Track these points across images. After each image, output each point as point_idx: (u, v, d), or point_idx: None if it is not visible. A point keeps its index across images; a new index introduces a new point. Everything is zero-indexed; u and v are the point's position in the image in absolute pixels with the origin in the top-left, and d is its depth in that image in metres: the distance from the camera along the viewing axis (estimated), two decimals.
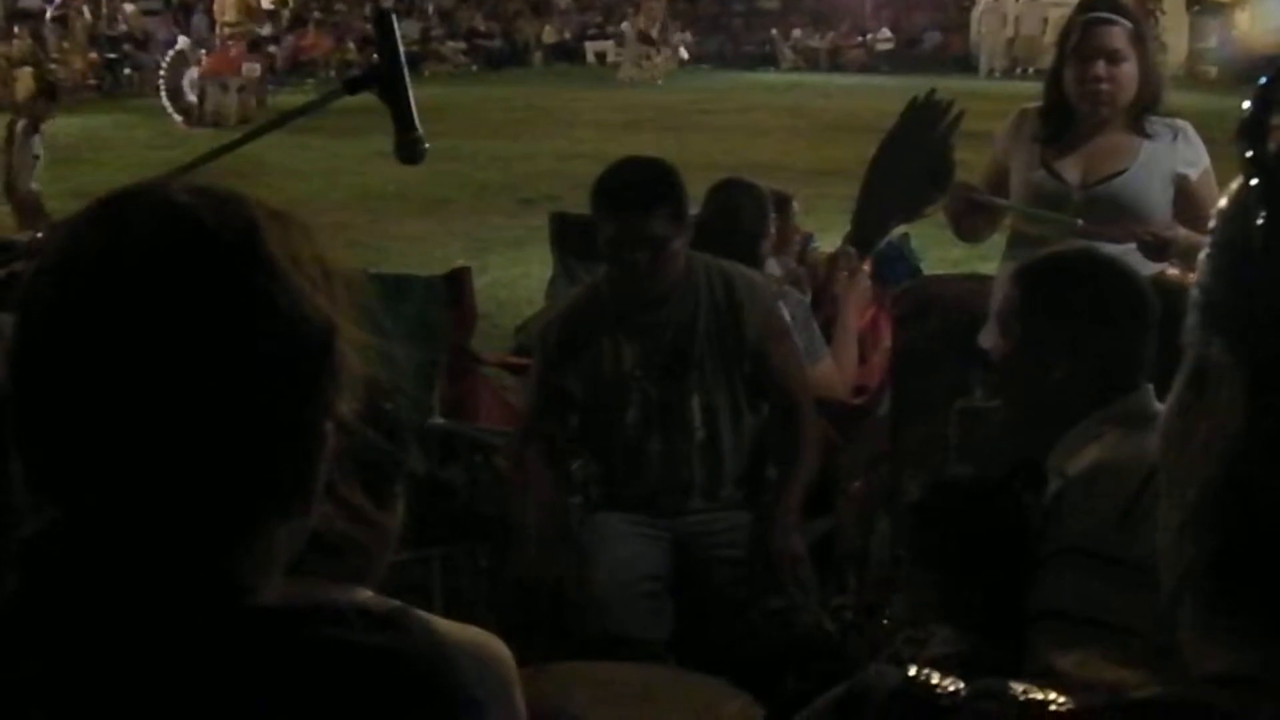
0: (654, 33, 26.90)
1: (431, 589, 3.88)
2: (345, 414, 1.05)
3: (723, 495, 3.44)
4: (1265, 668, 0.71)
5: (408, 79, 2.02)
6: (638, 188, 3.30)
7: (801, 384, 3.52)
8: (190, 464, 0.99)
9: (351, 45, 26.81)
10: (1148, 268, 3.41)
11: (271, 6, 28.25)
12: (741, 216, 4.13)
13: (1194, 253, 3.48)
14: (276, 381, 1.01)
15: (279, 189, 11.37)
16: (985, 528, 2.36)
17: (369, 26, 24.61)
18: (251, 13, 24.41)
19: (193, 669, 0.98)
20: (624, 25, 28.68)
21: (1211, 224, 0.77)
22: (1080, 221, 3.64)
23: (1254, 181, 0.73)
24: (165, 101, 19.52)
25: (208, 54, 21.21)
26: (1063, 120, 3.75)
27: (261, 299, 1.00)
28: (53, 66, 22.52)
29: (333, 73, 25.64)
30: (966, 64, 27.43)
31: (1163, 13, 23.43)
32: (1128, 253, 3.39)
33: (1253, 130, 0.73)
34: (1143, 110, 3.71)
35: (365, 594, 1.06)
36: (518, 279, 8.88)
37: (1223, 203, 0.76)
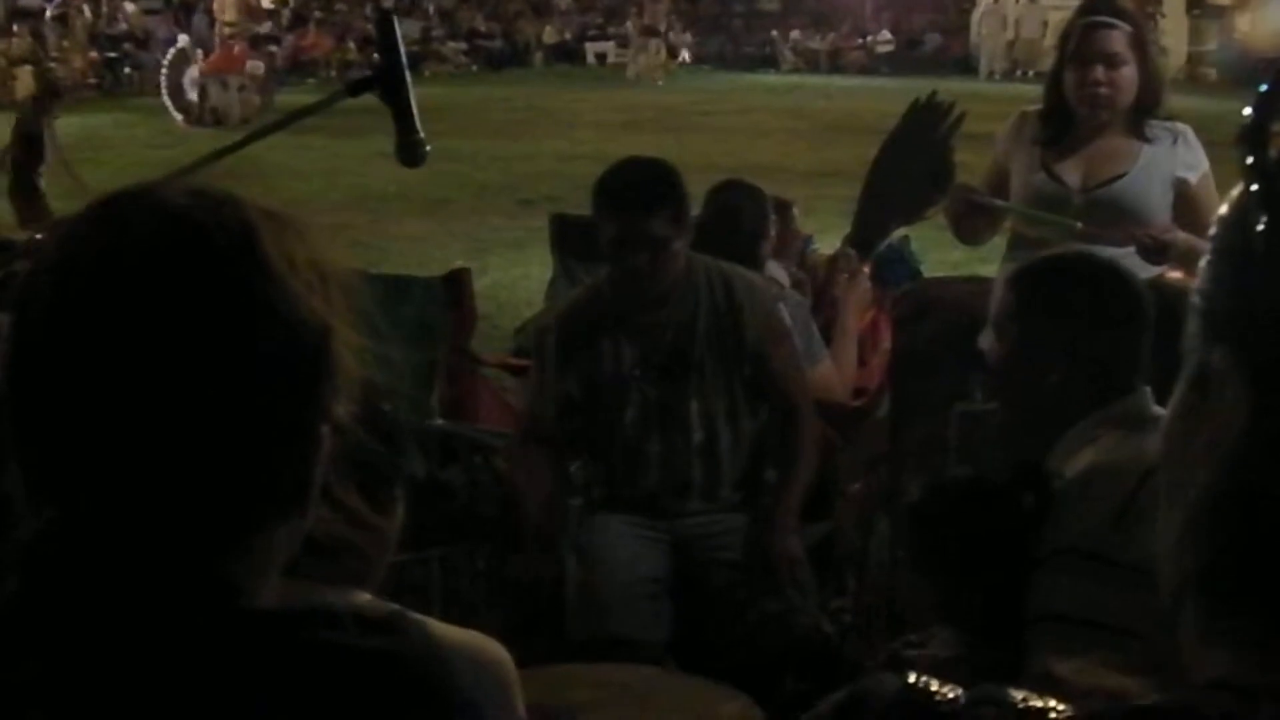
0: (660, 28, 26.93)
1: (430, 590, 3.88)
2: (342, 416, 1.05)
3: (721, 497, 3.44)
4: (1264, 671, 0.71)
5: (409, 81, 2.01)
6: (639, 188, 3.30)
7: (801, 386, 3.52)
8: (186, 466, 0.99)
9: (352, 45, 26.82)
10: (1146, 270, 3.41)
11: (272, 6, 28.26)
12: (742, 218, 4.13)
13: (1192, 256, 3.50)
14: (273, 383, 1.00)
15: (279, 189, 11.38)
16: (984, 529, 2.36)
17: (370, 26, 24.65)
18: (252, 12, 24.42)
19: (189, 671, 0.98)
20: (627, 24, 28.70)
21: (1212, 230, 0.77)
22: (1080, 224, 3.64)
23: (1254, 187, 0.73)
24: (166, 100, 19.53)
25: (206, 53, 21.20)
26: (1063, 123, 3.75)
27: (257, 301, 1.00)
28: (53, 65, 22.53)
29: (333, 72, 25.66)
30: (967, 66, 27.43)
31: (1163, 15, 23.45)
32: (1126, 256, 3.39)
33: (1253, 136, 0.73)
34: (1143, 114, 3.71)
35: (363, 597, 1.06)
36: (517, 280, 8.88)
37: (1223, 209, 0.76)
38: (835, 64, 29.60)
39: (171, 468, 0.98)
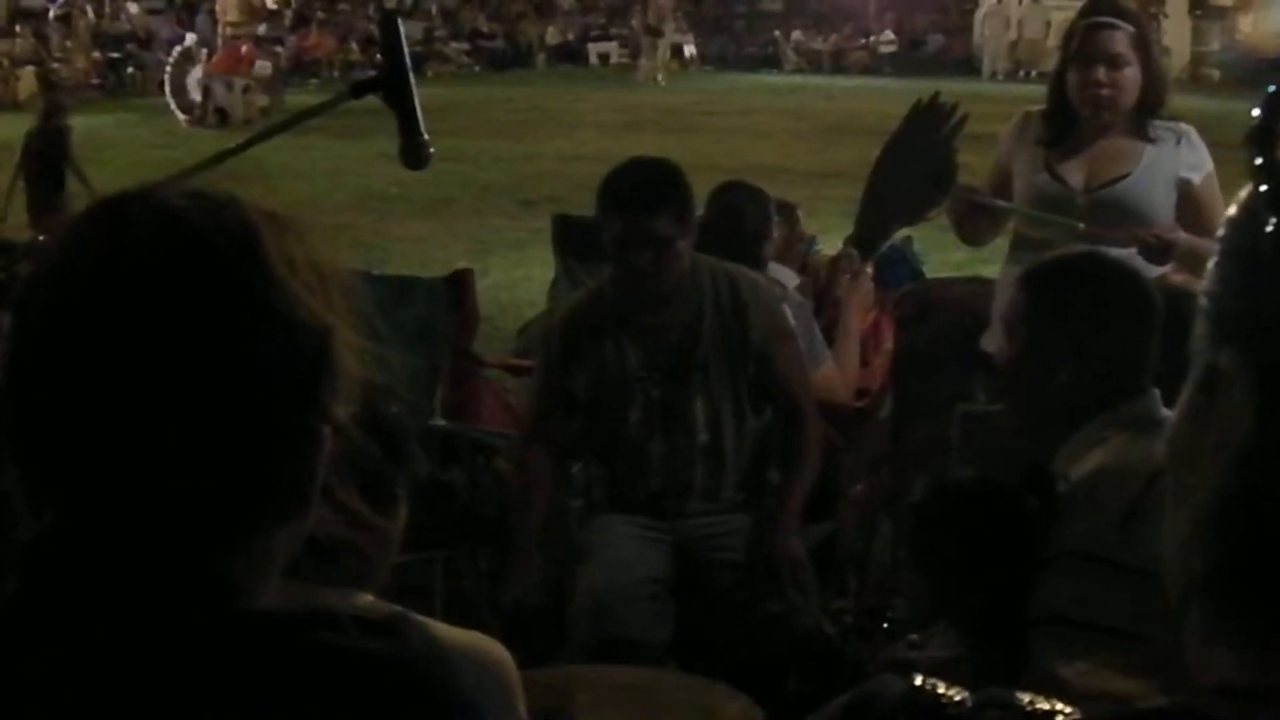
0: (664, 28, 26.94)
1: (433, 591, 3.88)
2: (342, 417, 1.05)
3: (724, 498, 3.44)
4: (1266, 673, 0.71)
5: (413, 84, 2.01)
6: (643, 188, 3.30)
7: (805, 388, 3.52)
8: (186, 467, 0.98)
9: (355, 46, 26.82)
10: (1149, 271, 3.41)
11: (275, 6, 28.27)
12: (744, 219, 4.13)
13: (1195, 257, 3.50)
14: (273, 385, 1.00)
15: (282, 190, 11.38)
16: (988, 531, 2.36)
17: (373, 27, 24.67)
18: (254, 12, 24.41)
19: (189, 672, 0.98)
20: (632, 23, 28.71)
21: (1220, 231, 0.77)
22: (1082, 225, 3.64)
23: (1263, 188, 0.73)
24: (169, 99, 19.52)
25: (209, 54, 21.21)
26: (1066, 124, 3.74)
27: (258, 303, 1.00)
28: (55, 65, 22.56)
29: (336, 73, 25.66)
30: (969, 66, 27.42)
31: (1165, 16, 23.44)
32: (1129, 257, 3.39)
33: (1261, 137, 0.72)
34: (1146, 114, 3.70)
35: (364, 599, 1.06)
36: (519, 281, 8.88)
37: (1231, 210, 0.76)
38: (838, 65, 29.58)
39: (171, 468, 0.98)
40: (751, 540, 3.34)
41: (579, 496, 3.65)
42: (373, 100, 2.06)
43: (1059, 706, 0.80)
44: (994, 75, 26.24)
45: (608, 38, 31.11)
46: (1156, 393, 2.34)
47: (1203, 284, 0.78)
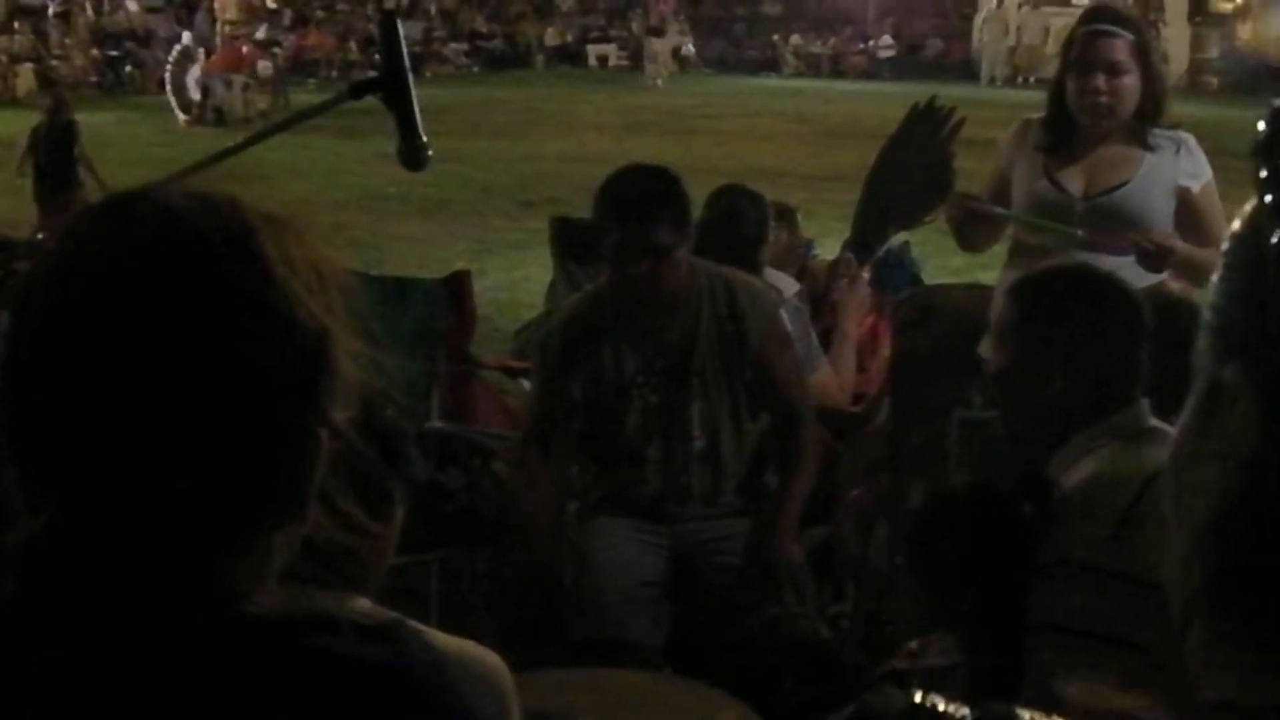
0: (666, 29, 26.97)
1: (429, 593, 3.87)
2: (340, 420, 1.05)
3: (722, 502, 3.44)
4: (1264, 692, 0.71)
5: (412, 85, 2.01)
6: (641, 195, 3.29)
7: (803, 393, 3.52)
8: (183, 468, 0.98)
9: (354, 45, 26.83)
10: (1146, 279, 3.42)
11: (275, 6, 28.27)
12: (742, 222, 4.12)
13: (1192, 265, 3.49)
14: (271, 387, 1.00)
15: (280, 189, 11.38)
16: (984, 538, 2.36)
17: (372, 26, 24.67)
18: (253, 11, 24.42)
19: (185, 675, 0.98)
20: (632, 25, 28.71)
21: (1225, 245, 0.77)
22: (1080, 232, 3.64)
23: (1268, 198, 0.73)
24: (170, 97, 19.53)
25: (208, 52, 21.21)
26: (1065, 131, 3.74)
27: (257, 304, 1.00)
28: (54, 63, 22.55)
29: (335, 73, 25.67)
30: (968, 71, 27.44)
31: (1164, 23, 23.45)
32: (1127, 265, 3.39)
33: (1267, 149, 0.72)
34: (1145, 122, 3.70)
35: (361, 603, 1.06)
36: (518, 282, 8.88)
37: (1236, 224, 0.76)
38: (837, 68, 29.62)
39: (168, 470, 0.98)
40: (749, 545, 3.34)
41: (576, 500, 3.64)
42: (372, 100, 2.06)
43: None
44: (992, 80, 26.27)
45: (607, 40, 31.13)
46: (1146, 402, 2.35)
47: (1208, 297, 0.77)
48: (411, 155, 2.04)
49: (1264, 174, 0.72)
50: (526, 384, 4.43)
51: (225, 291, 0.99)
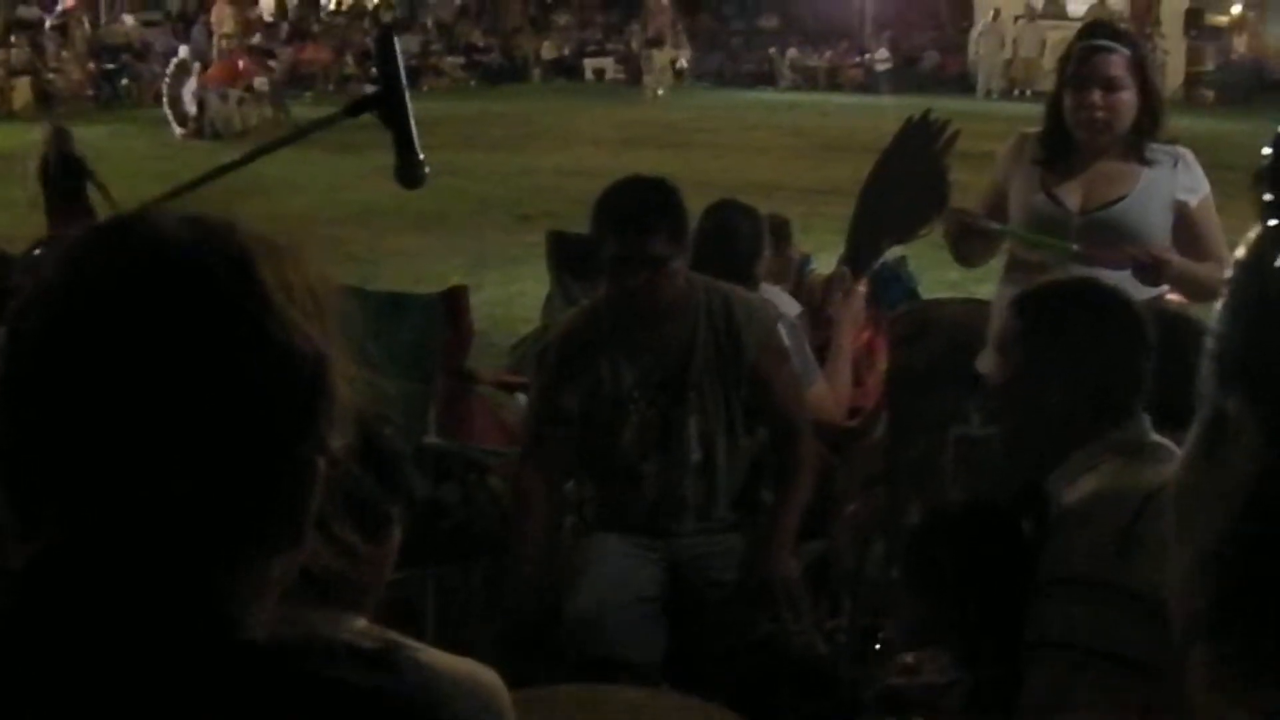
0: (664, 39, 27.02)
1: (425, 608, 3.87)
2: (337, 446, 1.05)
3: (717, 517, 3.43)
4: (1259, 713, 0.71)
5: (409, 102, 2.01)
6: (638, 208, 3.29)
7: (800, 407, 3.52)
8: (180, 495, 0.98)
9: (350, 59, 26.84)
10: (1144, 292, 3.42)
11: (271, 19, 28.29)
12: (737, 237, 4.12)
13: (1189, 280, 3.49)
14: (268, 413, 1.00)
15: (278, 203, 11.39)
16: (982, 553, 2.36)
17: (369, 40, 24.68)
18: (250, 25, 24.44)
19: (182, 702, 0.97)
20: (631, 41, 28.75)
21: (1228, 273, 0.76)
22: (1076, 247, 3.64)
23: (1272, 222, 0.72)
24: (167, 111, 19.53)
25: (204, 66, 21.23)
26: (1063, 145, 3.75)
27: (254, 330, 1.00)
28: (51, 76, 22.56)
29: (331, 86, 25.68)
30: (964, 84, 27.45)
31: (1161, 36, 23.50)
32: (1124, 279, 3.39)
33: (1271, 175, 0.72)
34: (1143, 137, 3.70)
35: (358, 624, 1.06)
36: (514, 296, 8.88)
37: (1240, 251, 0.75)
38: (833, 81, 29.62)
39: (165, 497, 0.98)
40: (745, 559, 3.33)
41: (572, 514, 3.64)
42: (369, 115, 2.06)
43: None
44: (989, 94, 26.28)
45: (604, 53, 31.14)
46: (1147, 418, 2.35)
47: (1211, 322, 0.77)
48: (408, 173, 2.04)
49: (1268, 199, 0.72)
50: (522, 399, 4.43)
51: (223, 318, 0.99)
